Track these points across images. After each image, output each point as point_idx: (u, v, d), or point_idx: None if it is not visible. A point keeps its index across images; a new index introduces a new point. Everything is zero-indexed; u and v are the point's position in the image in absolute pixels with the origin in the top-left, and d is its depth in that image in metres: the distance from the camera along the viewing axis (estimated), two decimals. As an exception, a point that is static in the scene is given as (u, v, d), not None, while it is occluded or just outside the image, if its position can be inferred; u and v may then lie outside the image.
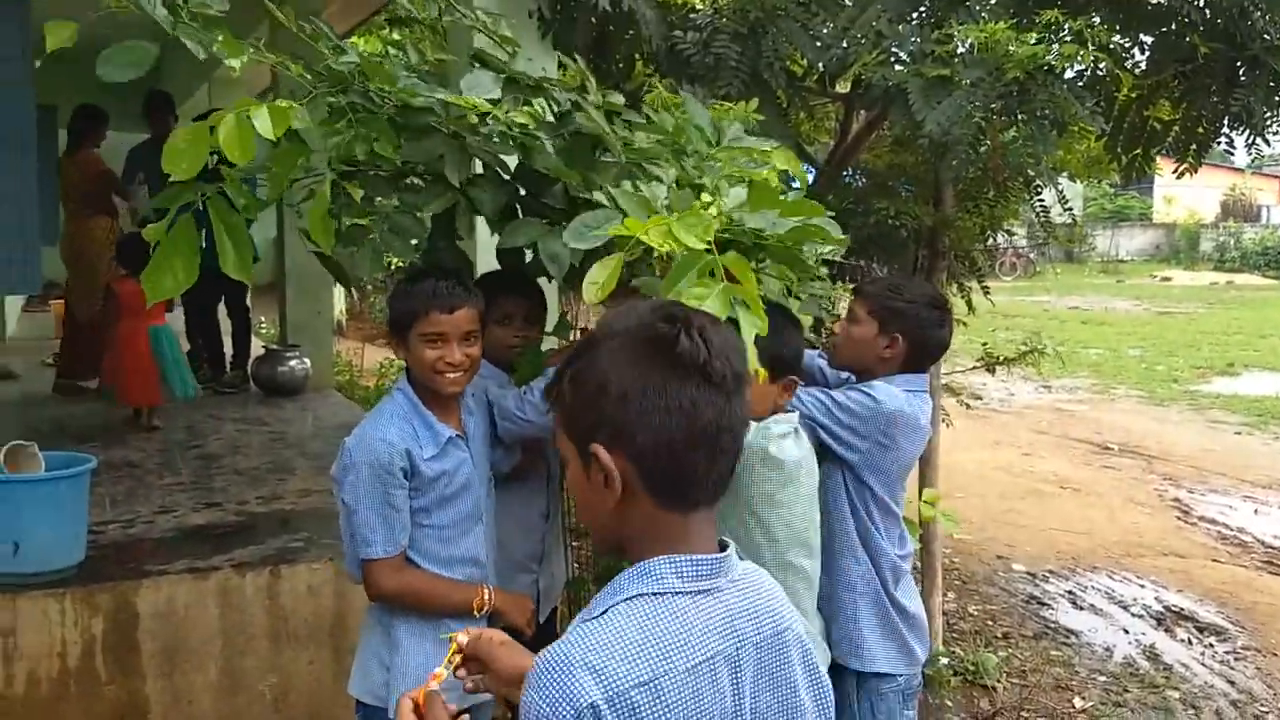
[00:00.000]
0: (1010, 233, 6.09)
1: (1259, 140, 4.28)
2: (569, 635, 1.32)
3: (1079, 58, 3.56)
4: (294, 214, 2.65)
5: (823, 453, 2.84)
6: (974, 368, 5.70)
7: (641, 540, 1.39)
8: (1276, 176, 41.92)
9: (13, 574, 3.67)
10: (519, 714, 1.32)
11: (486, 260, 3.07)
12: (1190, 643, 5.87)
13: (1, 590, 3.62)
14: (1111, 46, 3.98)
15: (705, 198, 2.35)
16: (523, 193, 2.76)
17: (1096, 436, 10.84)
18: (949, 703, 5.00)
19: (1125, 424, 11.46)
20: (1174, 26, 4.16)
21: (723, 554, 1.40)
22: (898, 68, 3.73)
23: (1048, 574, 6.88)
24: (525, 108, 2.55)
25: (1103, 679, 5.36)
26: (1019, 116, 3.60)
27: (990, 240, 5.72)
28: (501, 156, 2.70)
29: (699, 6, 4.60)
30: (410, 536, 2.58)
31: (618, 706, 1.24)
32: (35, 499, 3.72)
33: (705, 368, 1.33)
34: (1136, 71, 4.35)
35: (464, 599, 2.60)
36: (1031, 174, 4.61)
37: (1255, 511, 8.42)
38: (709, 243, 2.07)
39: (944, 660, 5.20)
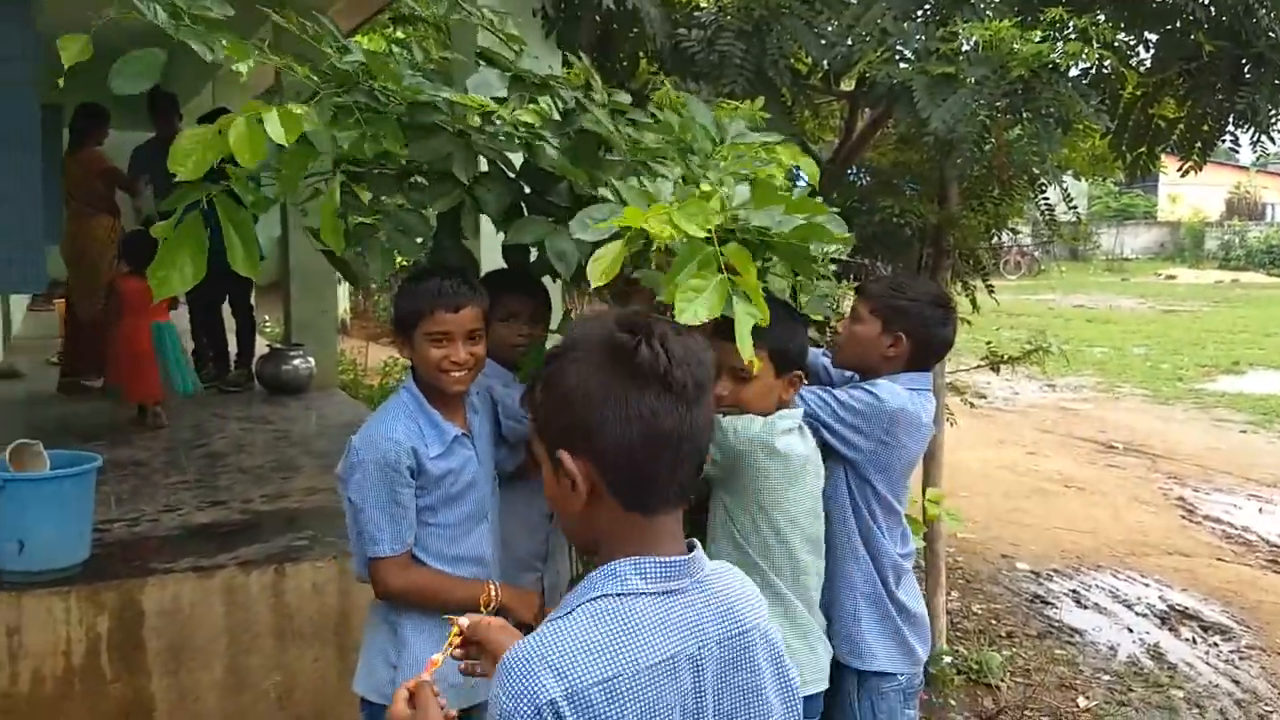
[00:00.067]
0: (1015, 231, 6.09)
1: (1264, 138, 4.28)
2: (535, 634, 1.37)
3: (1084, 56, 3.55)
4: (298, 213, 2.65)
5: (825, 451, 2.83)
6: (978, 366, 5.70)
7: (609, 541, 1.44)
8: (1282, 174, 41.87)
9: (18, 572, 3.68)
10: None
11: (491, 259, 3.06)
12: (1195, 642, 5.86)
13: (7, 588, 3.63)
14: (1116, 44, 3.98)
15: (705, 187, 2.35)
16: (528, 191, 2.76)
17: (1101, 435, 10.83)
18: (953, 702, 5.00)
19: (1130, 422, 11.45)
20: (1179, 24, 4.16)
21: (688, 555, 1.45)
22: (902, 65, 3.72)
23: (1052, 573, 6.87)
24: (531, 106, 2.55)
25: (1107, 678, 5.36)
26: (1024, 114, 3.60)
27: (995, 238, 5.71)
28: (507, 155, 2.71)
29: (703, 4, 4.60)
30: (416, 535, 2.59)
31: (577, 703, 1.29)
32: (40, 497, 3.73)
33: (665, 377, 1.37)
34: (1141, 69, 4.35)
35: (471, 595, 2.60)
36: (1036, 172, 4.60)
37: (1260, 510, 8.40)
38: (709, 231, 2.08)
39: (948, 659, 5.20)
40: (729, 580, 1.52)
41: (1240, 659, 5.65)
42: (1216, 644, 5.84)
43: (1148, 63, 4.40)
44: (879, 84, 3.69)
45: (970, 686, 5.15)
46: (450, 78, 2.68)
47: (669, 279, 2.07)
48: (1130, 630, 5.99)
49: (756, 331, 2.13)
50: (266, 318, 12.74)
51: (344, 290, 13.45)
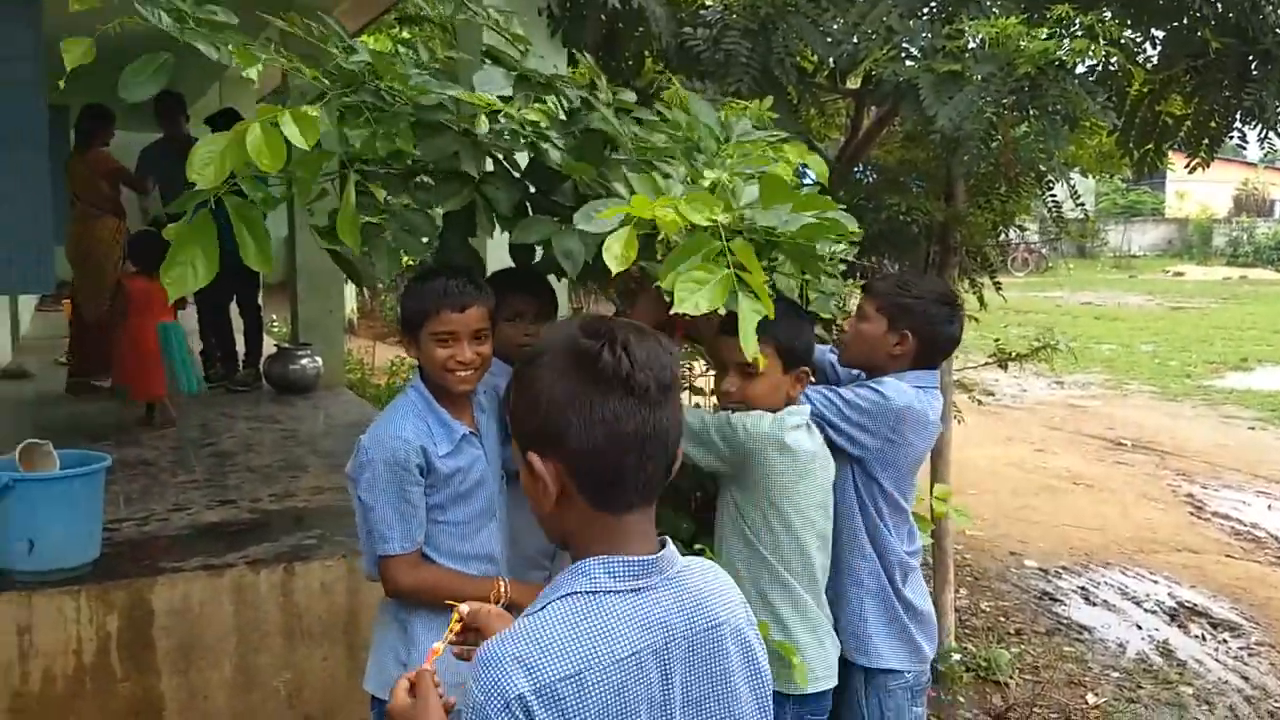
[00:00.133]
0: (1022, 228, 6.09)
1: (1271, 134, 4.27)
2: (507, 630, 1.43)
3: (1090, 53, 3.55)
4: (305, 212, 2.66)
5: (832, 449, 2.84)
6: (986, 364, 5.70)
7: (579, 540, 1.49)
8: (1290, 171, 41.71)
9: (28, 572, 3.69)
10: None
11: (497, 258, 3.07)
12: (1204, 639, 5.86)
13: (17, 588, 3.65)
14: (1123, 41, 3.97)
15: (707, 180, 2.35)
16: (533, 191, 2.76)
17: (1109, 432, 10.81)
18: (961, 699, 5.00)
19: (1138, 419, 11.43)
20: (1185, 21, 4.15)
21: (656, 554, 1.49)
22: (909, 63, 3.72)
23: (1060, 570, 6.87)
24: (537, 105, 2.55)
25: (1116, 675, 5.35)
26: (1030, 112, 3.59)
27: (1002, 236, 5.71)
28: (512, 155, 2.71)
29: (708, 3, 4.60)
30: (426, 533, 2.60)
31: (544, 697, 1.34)
32: (50, 497, 3.74)
33: (628, 380, 1.42)
34: (1148, 66, 4.33)
35: (480, 593, 2.60)
36: (1043, 169, 4.60)
37: (1269, 507, 8.39)
38: (713, 221, 2.08)
39: (956, 656, 5.20)
40: (704, 577, 1.56)
41: (1249, 655, 5.65)
42: (1225, 640, 5.83)
43: (1154, 59, 4.39)
44: (885, 82, 3.69)
45: (979, 684, 5.15)
46: (456, 77, 2.69)
47: (668, 266, 2.08)
48: (1139, 627, 5.99)
49: (763, 327, 2.14)
50: (274, 317, 12.77)
51: (351, 290, 13.46)
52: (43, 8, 4.37)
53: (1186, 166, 4.70)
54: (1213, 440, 10.48)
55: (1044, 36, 3.42)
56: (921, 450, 3.02)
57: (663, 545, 1.51)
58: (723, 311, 2.17)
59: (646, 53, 4.67)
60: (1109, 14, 3.94)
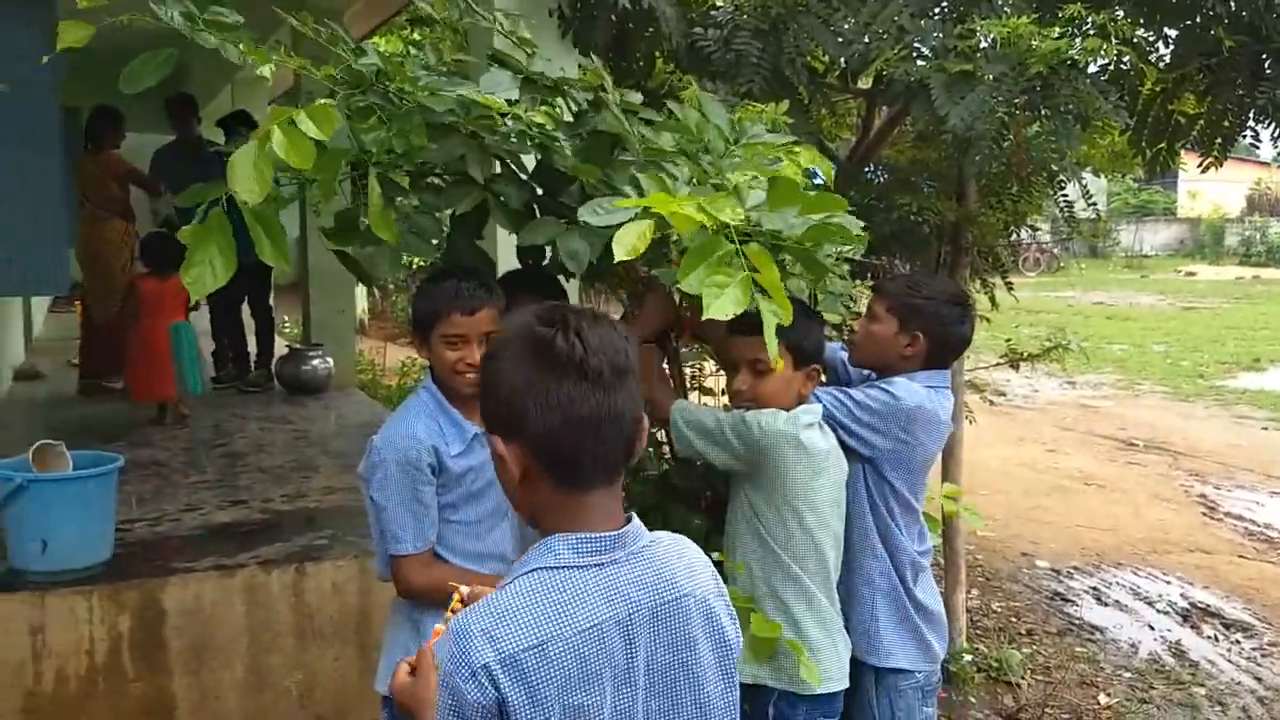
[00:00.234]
0: (1034, 228, 6.07)
1: (1284, 133, 4.25)
2: (477, 605, 1.51)
3: (1102, 52, 3.54)
4: (315, 214, 2.67)
5: (844, 450, 2.83)
6: (998, 364, 5.68)
7: (545, 517, 1.56)
8: (1303, 170, 41.55)
9: (41, 572, 3.71)
10: None
11: (508, 259, 3.08)
12: (1216, 639, 5.84)
13: (30, 588, 3.66)
14: (1135, 40, 3.95)
15: (729, 178, 2.35)
16: (540, 193, 2.77)
17: (1121, 432, 10.78)
18: (973, 699, 4.99)
19: (1150, 420, 11.39)
20: (1198, 20, 4.13)
21: (619, 530, 1.55)
22: (920, 63, 3.71)
23: (1072, 570, 6.85)
24: (544, 107, 2.56)
25: (1128, 675, 5.34)
26: (1042, 111, 3.58)
27: (1014, 236, 5.69)
28: (520, 157, 2.71)
29: (719, 3, 4.59)
30: (439, 532, 2.60)
31: (508, 667, 1.42)
32: (63, 498, 3.76)
33: (581, 365, 1.48)
34: (1161, 65, 4.32)
35: (492, 591, 2.61)
36: (1055, 169, 4.59)
37: (1282, 507, 8.36)
38: (742, 221, 2.09)
39: (968, 657, 5.19)
40: (670, 550, 1.63)
41: (1262, 656, 5.62)
42: (1238, 641, 5.81)
43: (1167, 58, 4.37)
44: (896, 81, 3.68)
45: (990, 684, 5.14)
46: (467, 78, 2.69)
47: (684, 270, 2.08)
48: (1151, 627, 5.97)
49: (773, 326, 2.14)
50: (285, 318, 12.81)
51: (362, 291, 13.50)
52: (54, 8, 4.38)
53: (1199, 166, 4.68)
54: (1225, 440, 10.45)
55: (1056, 36, 3.41)
56: (933, 450, 3.02)
57: (628, 521, 1.58)
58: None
59: (657, 53, 4.66)
60: (1121, 13, 3.92)
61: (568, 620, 1.47)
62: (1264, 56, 4.09)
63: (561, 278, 2.93)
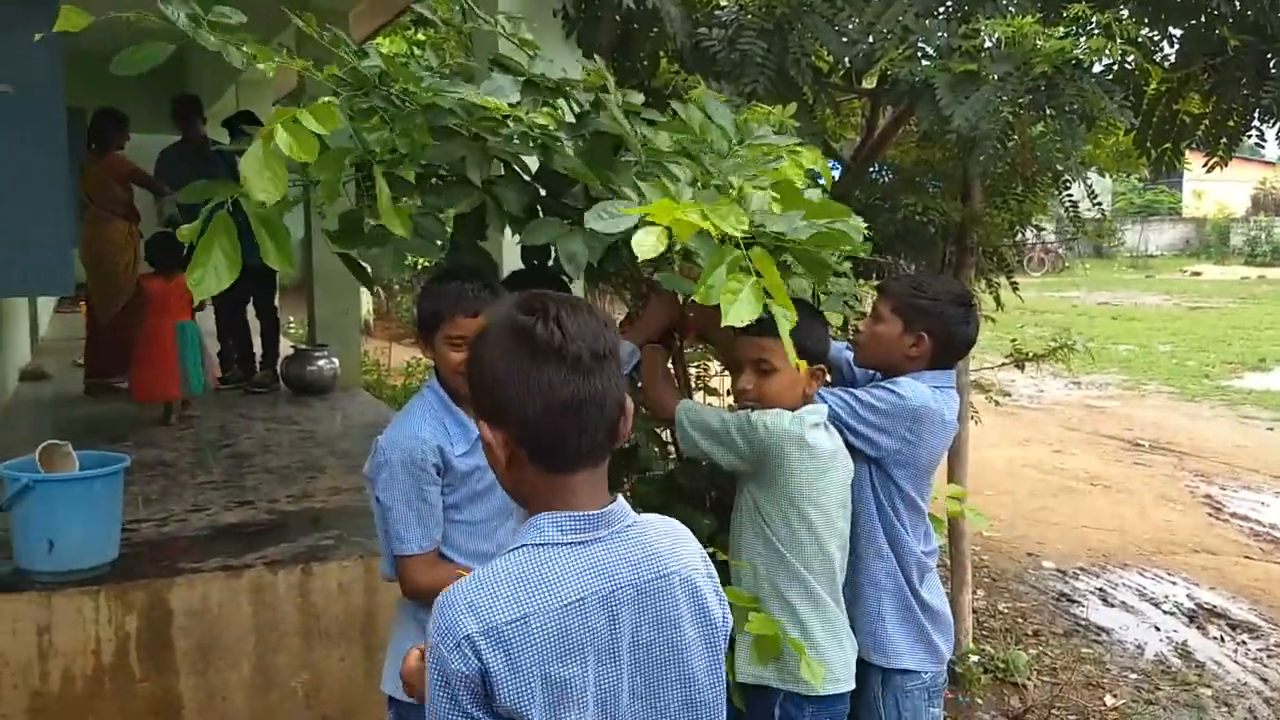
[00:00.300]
0: (1039, 228, 6.06)
1: (1289, 133, 4.24)
2: (464, 579, 1.55)
3: (1107, 51, 3.53)
4: (320, 215, 2.68)
5: (850, 450, 2.83)
6: (1003, 364, 5.68)
7: (532, 498, 1.61)
8: (1308, 169, 41.44)
9: (48, 572, 3.71)
10: None
11: (514, 259, 3.08)
12: (1223, 640, 5.83)
13: (37, 588, 3.67)
14: (1140, 40, 3.95)
15: (732, 181, 2.35)
16: (543, 195, 2.77)
17: (1127, 433, 10.76)
18: (979, 700, 4.99)
19: (1156, 420, 11.38)
20: (1203, 19, 4.12)
21: (603, 509, 1.59)
22: (924, 63, 3.71)
23: (1078, 571, 6.84)
24: (545, 109, 2.56)
25: (1134, 676, 5.33)
26: (1047, 111, 3.58)
27: (1019, 236, 5.69)
28: (522, 159, 2.72)
29: (724, 3, 4.59)
30: (443, 532, 2.61)
31: (491, 638, 1.46)
32: (70, 498, 3.76)
33: (560, 351, 1.52)
34: (1165, 65, 4.31)
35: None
36: (1060, 169, 4.58)
37: (1288, 508, 8.35)
38: (746, 232, 2.09)
39: (974, 658, 5.19)
40: (658, 529, 1.68)
41: (1269, 657, 5.62)
42: (1245, 642, 5.80)
43: (1172, 58, 4.37)
44: (901, 81, 3.68)
45: (997, 685, 5.14)
46: (470, 79, 2.70)
47: (701, 284, 2.09)
48: (1158, 628, 5.96)
49: (774, 326, 2.14)
50: (291, 319, 12.82)
51: (366, 292, 13.52)
52: (57, 8, 4.39)
53: (1204, 165, 4.67)
54: (1231, 441, 10.43)
55: (1060, 35, 3.41)
56: (938, 450, 3.01)
57: (613, 501, 1.62)
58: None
59: (662, 54, 4.67)
60: (1126, 12, 3.92)
61: (550, 595, 1.51)
62: (1269, 56, 4.08)
63: (566, 278, 2.94)
